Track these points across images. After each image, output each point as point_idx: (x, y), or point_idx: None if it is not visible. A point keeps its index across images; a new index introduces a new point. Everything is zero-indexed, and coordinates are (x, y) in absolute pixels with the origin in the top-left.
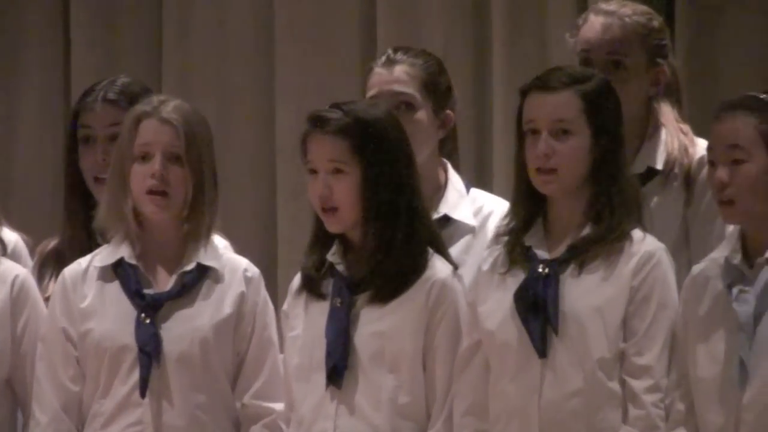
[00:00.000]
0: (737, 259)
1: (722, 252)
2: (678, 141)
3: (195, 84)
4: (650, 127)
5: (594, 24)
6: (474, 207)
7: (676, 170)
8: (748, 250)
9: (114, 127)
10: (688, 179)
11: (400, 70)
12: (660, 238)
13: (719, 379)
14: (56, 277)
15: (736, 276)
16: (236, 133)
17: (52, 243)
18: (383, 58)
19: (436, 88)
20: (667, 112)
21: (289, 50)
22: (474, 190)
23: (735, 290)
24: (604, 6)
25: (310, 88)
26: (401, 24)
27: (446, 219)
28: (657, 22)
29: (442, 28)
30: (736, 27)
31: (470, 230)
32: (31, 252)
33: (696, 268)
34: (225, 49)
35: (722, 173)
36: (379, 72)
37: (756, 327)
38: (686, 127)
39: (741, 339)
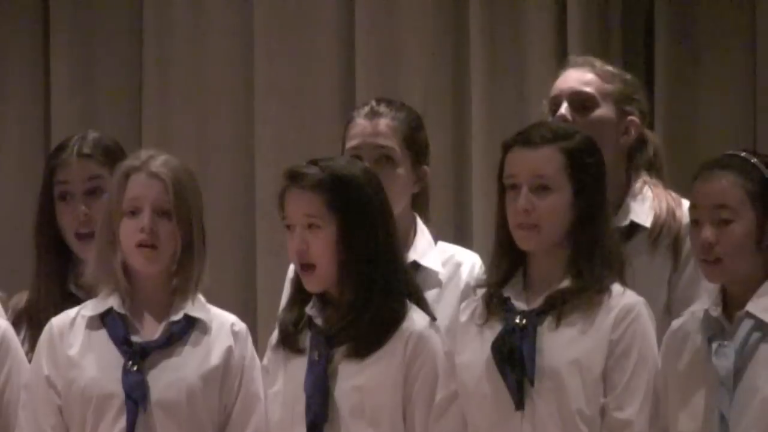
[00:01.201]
0: (717, 312)
1: (702, 305)
2: (666, 202)
3: (175, 140)
4: (633, 181)
5: (568, 72)
6: (443, 257)
7: (665, 233)
8: (729, 304)
9: (91, 181)
10: (677, 244)
11: (383, 123)
12: (646, 298)
13: None
14: (30, 333)
15: (716, 330)
16: (216, 188)
17: (24, 298)
18: (366, 109)
19: (416, 143)
20: (649, 178)
21: (269, 106)
22: (441, 243)
23: (715, 344)
24: (577, 59)
25: (289, 143)
26: (380, 78)
27: (415, 266)
28: (630, 76)
29: (421, 81)
30: (716, 75)
31: (438, 281)
32: (4, 306)
33: (676, 323)
34: (204, 105)
35: (709, 233)
36: (362, 123)
37: (736, 382)
38: (675, 195)
39: (721, 394)
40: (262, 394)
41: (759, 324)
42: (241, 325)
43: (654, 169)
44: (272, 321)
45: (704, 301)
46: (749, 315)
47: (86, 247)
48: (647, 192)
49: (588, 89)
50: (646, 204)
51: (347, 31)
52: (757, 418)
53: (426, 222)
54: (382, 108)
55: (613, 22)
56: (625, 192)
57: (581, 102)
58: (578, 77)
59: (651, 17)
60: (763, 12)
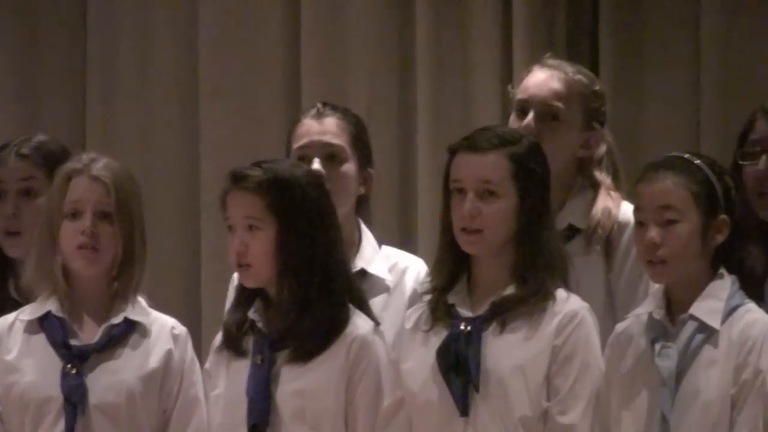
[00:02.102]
0: (661, 314)
1: (646, 308)
2: (603, 203)
3: (119, 142)
4: (576, 185)
5: (537, 74)
6: (388, 263)
7: (599, 232)
8: (672, 307)
9: (26, 181)
10: (609, 245)
11: (330, 122)
12: (584, 299)
13: None
14: None
15: (659, 332)
16: (160, 190)
17: None
18: (313, 111)
19: (363, 144)
20: (603, 179)
21: (213, 109)
22: (385, 247)
23: (658, 345)
24: (550, 61)
25: (234, 146)
26: (326, 82)
27: (362, 273)
28: (599, 87)
29: (367, 83)
30: (660, 73)
31: (385, 287)
32: None
33: (620, 326)
34: (149, 107)
35: (654, 233)
36: (309, 123)
37: (678, 383)
38: (616, 194)
39: (663, 395)
40: (202, 397)
41: (702, 326)
42: (181, 329)
43: (609, 169)
44: (216, 324)
45: (648, 304)
46: (693, 317)
47: (11, 245)
48: (588, 194)
49: (558, 104)
50: (585, 206)
51: (292, 33)
52: (698, 421)
53: (368, 226)
54: (328, 110)
55: (558, 21)
56: (568, 194)
57: (549, 113)
58: (550, 89)
59: (596, 15)
60: (708, 9)
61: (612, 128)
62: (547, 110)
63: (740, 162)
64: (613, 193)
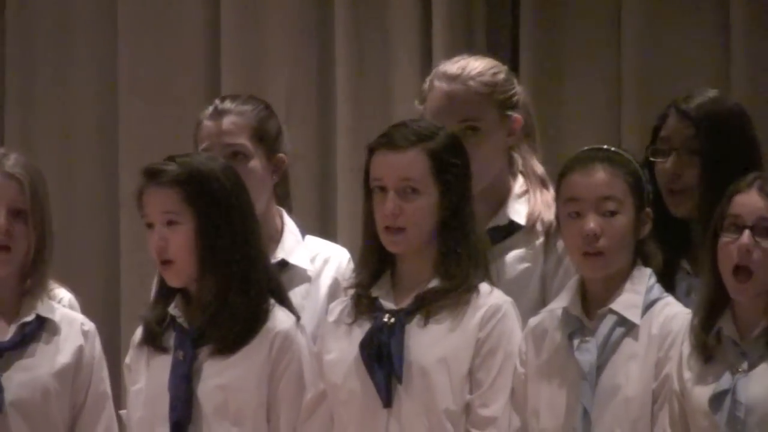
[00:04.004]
0: (577, 309)
1: (560, 303)
2: (541, 196)
3: (38, 135)
4: (515, 181)
5: (438, 93)
6: (311, 253)
7: (539, 226)
8: (588, 301)
9: None
10: (549, 240)
11: (228, 121)
12: (521, 293)
13: (562, 429)
14: None
15: (576, 326)
16: (79, 184)
17: None
18: (210, 110)
19: (267, 134)
20: (528, 158)
21: (132, 104)
22: (309, 237)
23: (576, 340)
24: (446, 69)
25: (153, 142)
26: (245, 75)
27: (283, 264)
28: (502, 74)
29: (286, 79)
30: (580, 74)
31: (307, 277)
32: None
33: (533, 320)
34: (68, 101)
35: (594, 224)
36: (208, 125)
37: (598, 377)
38: (543, 172)
39: (584, 388)
40: (110, 392)
41: (622, 320)
42: (90, 325)
43: (528, 134)
44: (135, 319)
45: (562, 299)
46: (612, 311)
47: None
48: (528, 192)
49: (471, 117)
50: (524, 203)
51: (212, 29)
52: (619, 415)
53: (289, 212)
54: (227, 105)
55: (477, 18)
56: (508, 193)
57: (467, 129)
58: (455, 107)
59: (516, 14)
60: (629, 8)
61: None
62: (460, 128)
63: (651, 158)
64: (543, 176)
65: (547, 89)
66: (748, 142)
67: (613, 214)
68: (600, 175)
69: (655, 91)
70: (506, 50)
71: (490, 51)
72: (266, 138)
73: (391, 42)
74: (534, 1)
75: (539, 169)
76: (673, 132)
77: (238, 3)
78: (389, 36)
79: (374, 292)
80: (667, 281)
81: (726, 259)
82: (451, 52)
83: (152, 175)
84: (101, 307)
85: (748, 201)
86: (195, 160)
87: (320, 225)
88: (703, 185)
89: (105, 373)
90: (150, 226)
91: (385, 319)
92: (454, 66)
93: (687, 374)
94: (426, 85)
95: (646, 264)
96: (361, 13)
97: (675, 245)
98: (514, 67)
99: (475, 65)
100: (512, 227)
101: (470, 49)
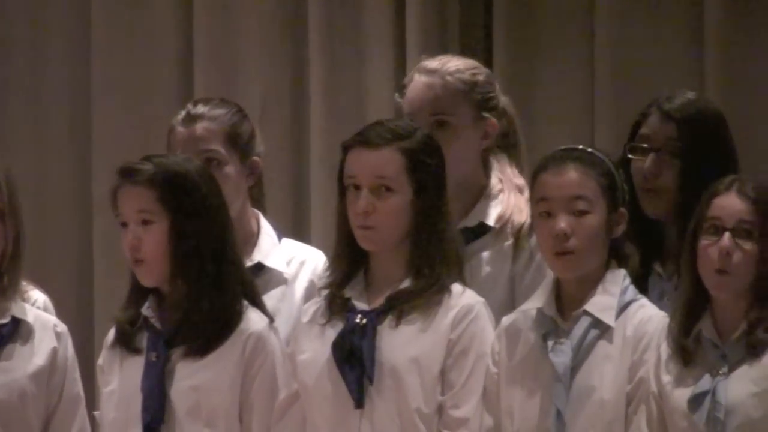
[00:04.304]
0: (552, 310)
1: (534, 303)
2: (513, 199)
3: (11, 137)
4: (489, 183)
5: (416, 85)
6: (287, 255)
7: (508, 229)
8: (562, 302)
9: None
10: (518, 241)
11: (201, 127)
12: (489, 295)
13: (536, 430)
14: None
15: (550, 327)
16: (53, 186)
17: None
18: (183, 115)
19: (240, 138)
20: (505, 167)
21: (106, 104)
22: (285, 239)
23: (551, 342)
24: (427, 64)
25: (126, 142)
26: (218, 77)
27: (260, 267)
28: (482, 75)
29: (260, 78)
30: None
31: (283, 280)
32: None
33: (506, 320)
34: (42, 103)
35: (565, 224)
36: (180, 131)
37: (573, 378)
38: (522, 183)
39: (558, 390)
40: (82, 394)
41: (596, 322)
42: (62, 326)
43: (509, 146)
44: (109, 320)
45: (536, 300)
46: (586, 313)
47: None
48: (501, 195)
49: (443, 111)
50: (497, 204)
51: (185, 29)
52: (593, 417)
53: (263, 213)
54: (199, 109)
55: (451, 18)
56: (480, 194)
57: (436, 123)
58: (431, 99)
59: (489, 11)
60: (602, 12)
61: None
62: (434, 121)
63: (629, 156)
64: (520, 184)
65: (520, 89)
66: (727, 147)
67: (583, 213)
68: (571, 174)
69: (629, 92)
70: (480, 51)
71: (463, 52)
72: (239, 142)
73: (364, 42)
74: (507, 4)
75: (518, 180)
76: (655, 131)
77: (211, 4)
78: (363, 37)
79: (347, 293)
80: (641, 284)
81: (706, 262)
82: (425, 54)
83: (128, 174)
84: (74, 309)
85: (727, 203)
86: (171, 161)
87: (294, 225)
88: (681, 187)
89: (78, 375)
90: (124, 225)
91: (357, 320)
92: (435, 61)
93: (666, 377)
94: (406, 80)
95: (623, 265)
96: (335, 15)
97: (648, 249)
98: (487, 64)
99: (456, 63)
100: (482, 229)
101: (444, 50)
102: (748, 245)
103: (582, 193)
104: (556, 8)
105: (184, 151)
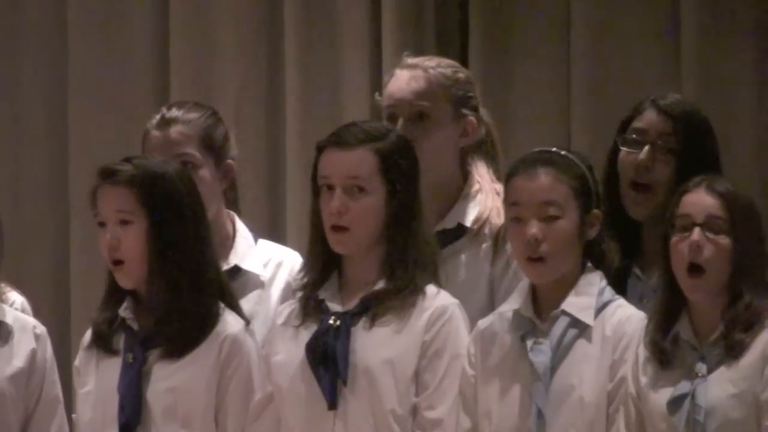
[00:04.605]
0: (529, 312)
1: (511, 305)
2: (492, 201)
3: None
4: (466, 184)
5: (399, 78)
6: (263, 258)
7: (486, 231)
8: (539, 303)
9: None
10: (497, 242)
11: (175, 131)
12: (468, 297)
13: (516, 430)
14: None
15: (527, 328)
16: (30, 186)
17: None
18: (158, 119)
19: (214, 141)
20: (482, 170)
21: (83, 104)
22: (261, 241)
23: (530, 342)
24: (409, 60)
25: (103, 142)
26: (194, 78)
27: (236, 270)
28: (462, 74)
29: (236, 79)
30: (529, 81)
31: (260, 283)
32: None
33: (482, 323)
34: (19, 102)
35: (536, 229)
36: (155, 135)
37: (552, 377)
38: (500, 188)
39: (538, 389)
40: (61, 396)
41: (575, 322)
42: (41, 328)
43: (487, 152)
44: (85, 321)
45: (513, 301)
46: (564, 313)
47: None
48: (479, 196)
49: (423, 103)
50: (475, 204)
51: (162, 30)
52: (574, 416)
53: (238, 215)
54: (173, 113)
55: (427, 20)
56: (458, 195)
57: (417, 114)
58: (412, 90)
59: (465, 13)
60: (578, 16)
61: None
62: (414, 112)
63: (621, 147)
64: (498, 187)
65: (496, 92)
66: (717, 149)
67: (554, 219)
68: (542, 179)
69: (605, 94)
70: (456, 53)
71: (439, 54)
72: (214, 146)
73: (340, 44)
74: (483, 2)
75: (496, 184)
76: (651, 125)
77: (187, 6)
78: (339, 39)
79: (321, 294)
80: (620, 287)
81: (678, 258)
82: (401, 53)
83: (107, 174)
84: (51, 310)
85: (696, 200)
86: (150, 162)
87: (270, 226)
88: (674, 184)
89: (56, 377)
90: (102, 225)
91: (331, 322)
92: (417, 58)
93: (644, 379)
94: (387, 77)
95: (601, 266)
96: (311, 16)
97: (627, 250)
98: (462, 63)
99: (438, 60)
100: (461, 230)
101: (420, 52)
102: (720, 239)
103: (552, 199)
104: (532, 10)
105: (160, 155)
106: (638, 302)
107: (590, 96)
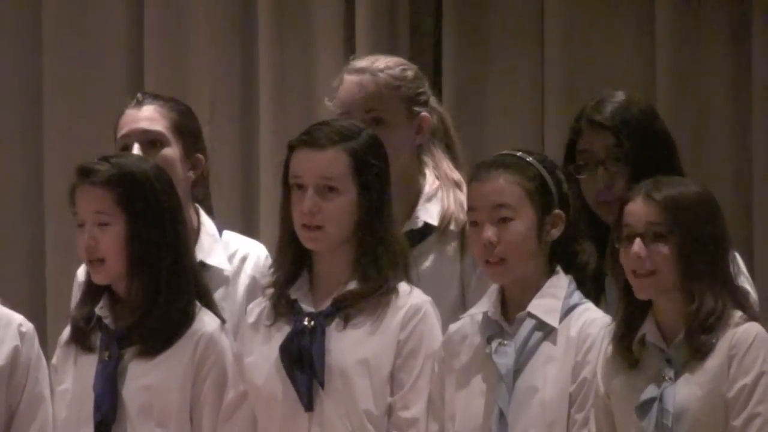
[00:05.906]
0: (497, 314)
1: (480, 308)
2: (453, 196)
3: None
4: (425, 180)
5: (348, 84)
6: (228, 251)
7: (452, 227)
8: (507, 305)
9: None
10: (464, 239)
11: (149, 109)
12: (438, 295)
13: (479, 430)
14: None
15: (495, 330)
16: (4, 186)
17: None
18: (133, 101)
19: (186, 128)
20: (440, 162)
21: (57, 104)
22: (226, 233)
23: (495, 343)
24: (356, 64)
25: (77, 142)
26: (169, 77)
27: (202, 265)
28: (411, 71)
29: (210, 79)
30: (503, 75)
31: (225, 278)
32: None
33: (453, 326)
34: None
35: (490, 233)
36: (129, 113)
37: (516, 379)
38: (459, 177)
39: (500, 390)
40: (47, 395)
41: (540, 324)
42: (28, 326)
43: (441, 140)
44: (62, 319)
45: (482, 304)
46: (530, 315)
47: None
48: (439, 192)
49: (376, 108)
50: (436, 202)
51: (136, 30)
52: (535, 417)
53: (209, 213)
54: (148, 99)
55: (401, 18)
56: (419, 194)
57: (371, 120)
58: (363, 96)
59: (439, 10)
60: (552, 11)
61: (455, 129)
62: (368, 118)
63: (577, 177)
64: (457, 178)
65: (470, 88)
66: (664, 138)
67: (508, 221)
68: (493, 183)
69: (580, 90)
70: (430, 52)
71: (413, 51)
72: (185, 132)
73: (314, 44)
74: (457, 2)
75: (455, 174)
76: (592, 145)
77: (161, 4)
78: (312, 38)
79: (292, 294)
80: (599, 287)
81: (625, 268)
82: (374, 52)
83: (86, 173)
84: (27, 309)
85: (635, 209)
86: (127, 161)
87: (243, 224)
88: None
89: (42, 375)
90: (80, 224)
91: (305, 323)
92: (364, 60)
93: (612, 381)
94: (336, 82)
95: (571, 268)
96: (285, 15)
97: (602, 252)
98: (437, 70)
99: (385, 60)
100: (428, 230)
101: (394, 50)
102: (662, 247)
103: (503, 201)
104: (506, 5)
105: (130, 132)
106: (617, 302)
107: (564, 91)
